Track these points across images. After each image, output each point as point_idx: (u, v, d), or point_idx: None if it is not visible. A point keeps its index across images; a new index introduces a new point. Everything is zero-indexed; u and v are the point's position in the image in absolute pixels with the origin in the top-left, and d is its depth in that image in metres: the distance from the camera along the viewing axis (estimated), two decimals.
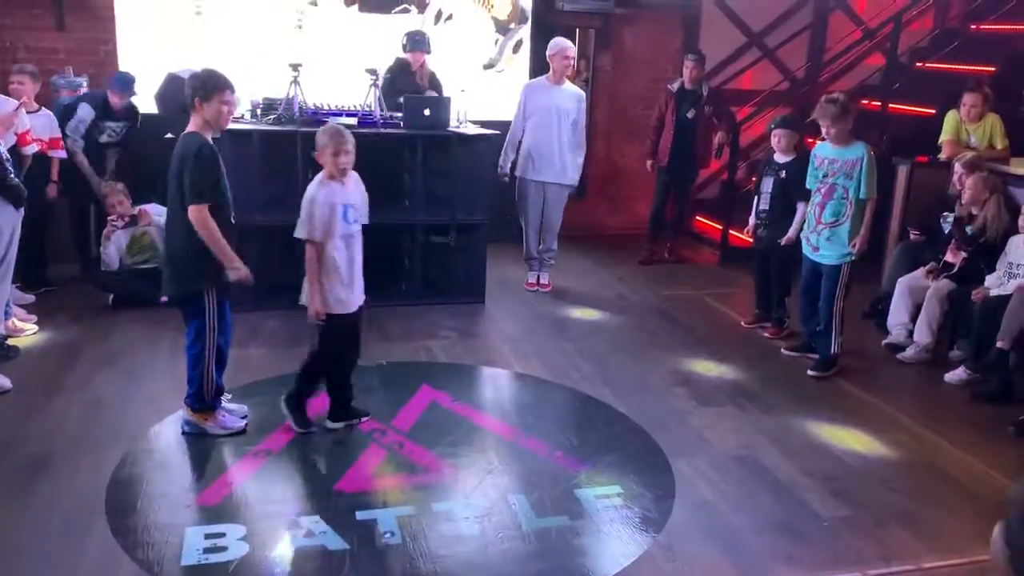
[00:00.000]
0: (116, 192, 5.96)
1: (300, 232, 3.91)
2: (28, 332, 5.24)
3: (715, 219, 8.12)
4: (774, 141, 5.71)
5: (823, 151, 5.07)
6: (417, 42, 6.55)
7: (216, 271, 3.84)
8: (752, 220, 5.90)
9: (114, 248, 5.88)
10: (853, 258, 5.02)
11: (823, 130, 4.98)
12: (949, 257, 5.37)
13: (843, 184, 4.96)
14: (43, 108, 5.82)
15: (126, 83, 6.25)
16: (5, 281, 4.83)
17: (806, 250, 5.23)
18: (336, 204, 3.94)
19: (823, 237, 5.05)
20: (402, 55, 6.59)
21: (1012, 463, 4.12)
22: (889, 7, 8.33)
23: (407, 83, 6.47)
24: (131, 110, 6.38)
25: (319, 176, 4.01)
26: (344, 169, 3.98)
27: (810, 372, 5.16)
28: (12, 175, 4.62)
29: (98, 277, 5.96)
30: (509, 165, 6.50)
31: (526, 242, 6.70)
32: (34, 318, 5.41)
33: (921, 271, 5.55)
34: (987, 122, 5.97)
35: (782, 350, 5.53)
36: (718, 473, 3.92)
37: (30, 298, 5.76)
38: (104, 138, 6.27)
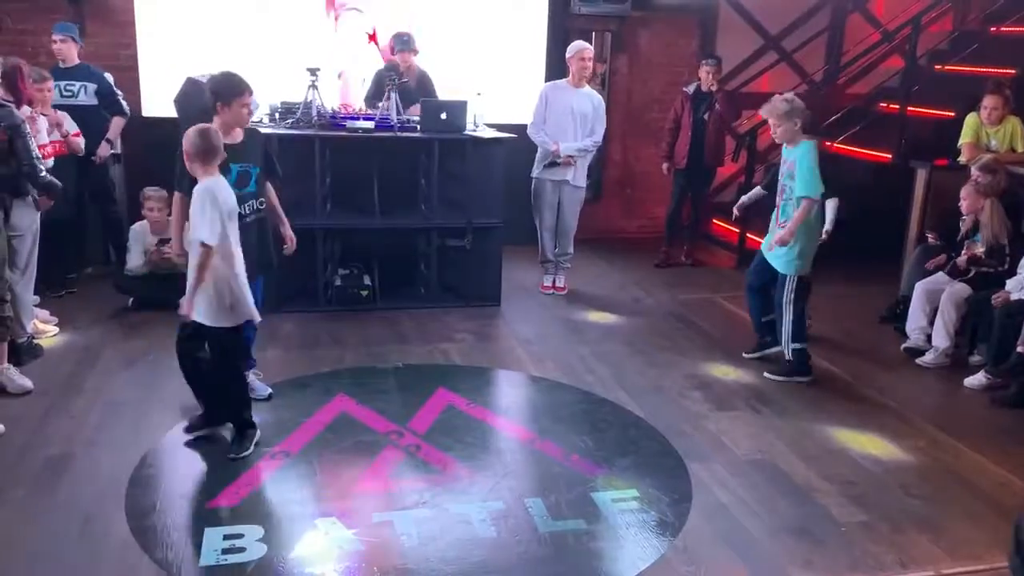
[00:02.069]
0: (150, 198, 5.86)
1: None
2: (49, 334, 5.29)
3: (732, 222, 8.09)
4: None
5: (783, 151, 5.02)
6: (404, 43, 6.58)
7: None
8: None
9: (139, 247, 5.83)
10: (801, 270, 4.94)
11: (771, 128, 4.95)
12: (962, 262, 5.33)
13: (790, 185, 4.89)
14: (57, 111, 5.87)
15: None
16: (29, 285, 4.90)
17: (763, 245, 5.18)
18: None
19: (776, 237, 4.99)
20: (392, 57, 6.63)
21: None
22: (908, 9, 8.28)
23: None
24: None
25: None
26: None
27: (766, 373, 5.11)
28: (42, 171, 4.73)
29: (119, 280, 5.99)
30: (550, 143, 6.38)
31: (541, 244, 6.70)
32: (55, 320, 5.46)
33: (940, 274, 5.51)
34: (1008, 125, 5.93)
35: (743, 354, 5.44)
36: (735, 477, 3.90)
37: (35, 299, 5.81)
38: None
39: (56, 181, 4.84)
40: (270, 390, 4.52)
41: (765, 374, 5.10)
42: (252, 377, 4.47)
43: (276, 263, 4.48)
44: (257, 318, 3.95)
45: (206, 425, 4.05)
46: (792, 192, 4.87)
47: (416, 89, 6.52)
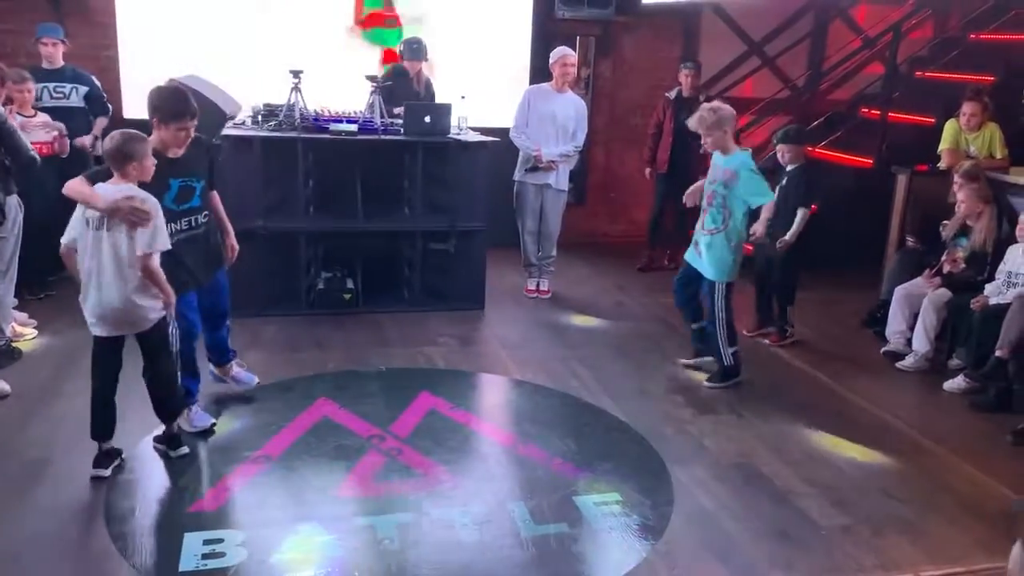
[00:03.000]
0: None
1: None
2: (27, 337, 5.24)
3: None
4: (779, 157, 5.74)
5: (714, 157, 4.97)
6: (415, 50, 6.58)
7: None
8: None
9: None
10: (731, 276, 4.92)
11: (703, 139, 4.91)
12: (946, 267, 5.37)
13: (721, 192, 4.82)
14: (39, 113, 5.83)
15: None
16: (9, 288, 4.86)
17: (690, 252, 5.10)
18: None
19: (703, 243, 4.94)
20: (399, 62, 6.62)
21: (1011, 472, 4.12)
22: (889, 16, 8.36)
23: (404, 89, 6.49)
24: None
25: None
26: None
27: (705, 383, 5.06)
28: (20, 139, 4.77)
29: None
30: (532, 147, 6.38)
31: (524, 248, 6.71)
32: (34, 323, 5.41)
33: (920, 279, 5.55)
34: (987, 131, 5.98)
35: (680, 360, 5.41)
36: (717, 481, 3.92)
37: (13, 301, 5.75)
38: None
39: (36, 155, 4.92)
40: (256, 379, 4.58)
41: (704, 384, 5.04)
42: (236, 368, 4.57)
43: (206, 279, 4.18)
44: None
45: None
46: (722, 200, 4.81)
47: (424, 96, 6.54)
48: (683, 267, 5.18)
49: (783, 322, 5.83)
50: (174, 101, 3.82)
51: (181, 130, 3.81)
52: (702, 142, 4.94)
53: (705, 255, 4.92)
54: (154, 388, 3.83)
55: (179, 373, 3.99)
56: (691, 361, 5.33)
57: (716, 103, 5.01)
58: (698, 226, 5.03)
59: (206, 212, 4.08)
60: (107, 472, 3.68)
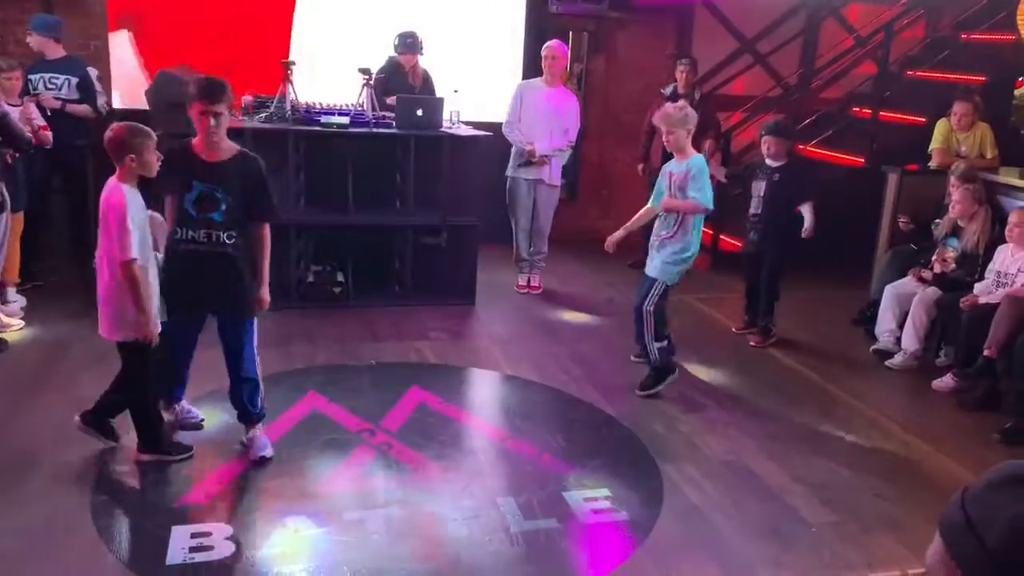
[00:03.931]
0: None
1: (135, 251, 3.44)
2: (14, 328, 5.20)
3: (706, 224, 8.13)
4: (764, 148, 5.70)
5: (665, 166, 4.84)
6: (409, 44, 6.54)
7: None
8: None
9: None
10: (673, 280, 4.78)
11: (663, 136, 4.77)
12: (936, 267, 5.39)
13: (678, 196, 4.68)
14: (27, 102, 5.77)
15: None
16: None
17: (649, 268, 4.87)
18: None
19: (655, 247, 4.80)
20: (394, 55, 6.59)
21: None
22: (881, 16, 8.37)
23: (400, 84, 6.46)
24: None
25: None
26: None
27: (637, 392, 4.82)
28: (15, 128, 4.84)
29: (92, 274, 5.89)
30: (525, 142, 6.35)
31: (516, 244, 6.70)
32: (21, 313, 5.37)
33: (909, 277, 5.57)
34: (977, 131, 6.01)
35: (631, 357, 5.28)
36: (706, 478, 3.92)
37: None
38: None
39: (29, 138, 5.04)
40: (270, 450, 3.89)
41: (637, 392, 4.81)
42: (254, 432, 3.91)
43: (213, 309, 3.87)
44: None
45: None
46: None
47: (421, 90, 6.49)
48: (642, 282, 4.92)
49: (767, 321, 5.82)
50: (196, 83, 3.60)
51: (205, 114, 3.52)
52: (663, 139, 4.81)
53: (656, 257, 4.78)
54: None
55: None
56: (641, 359, 5.10)
57: (682, 102, 5.03)
58: (652, 234, 4.91)
59: (233, 235, 3.66)
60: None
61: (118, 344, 3.64)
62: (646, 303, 4.80)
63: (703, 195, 4.63)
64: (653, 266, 4.83)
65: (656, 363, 4.85)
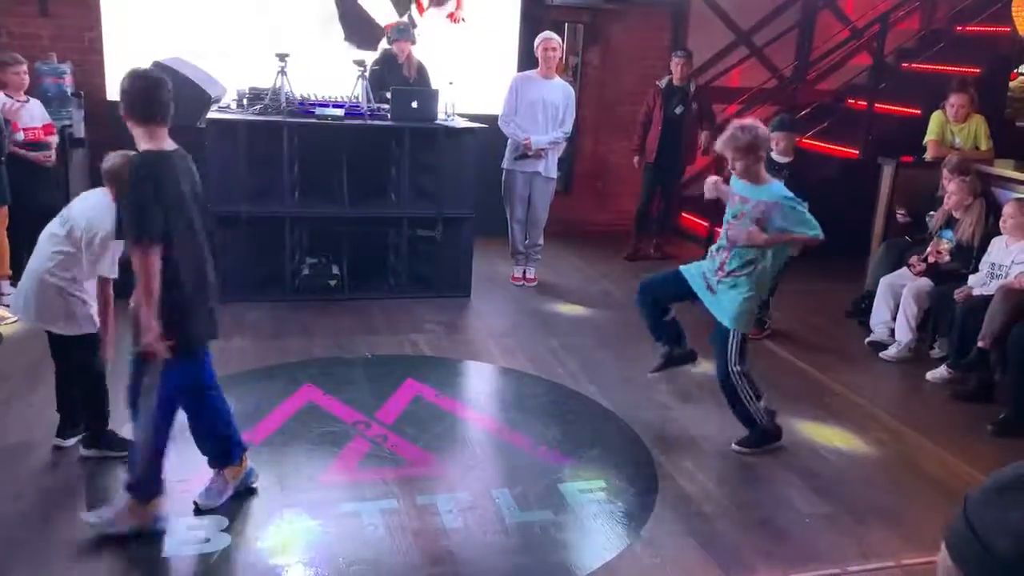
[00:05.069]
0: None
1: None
2: (9, 320, 5.18)
3: (702, 216, 8.15)
4: (772, 144, 5.51)
5: (735, 184, 4.09)
6: (401, 31, 6.52)
7: None
8: None
9: None
10: (744, 331, 4.04)
11: (729, 162, 4.01)
12: (931, 258, 5.40)
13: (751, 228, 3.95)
14: (31, 98, 5.75)
15: None
16: None
17: (697, 282, 4.14)
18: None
19: (726, 283, 4.02)
20: (387, 47, 6.57)
21: (991, 462, 4.15)
22: (876, 7, 8.37)
23: (395, 75, 6.44)
24: None
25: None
26: None
27: (734, 447, 4.12)
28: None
29: None
30: (521, 135, 6.33)
31: (512, 236, 6.69)
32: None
33: (904, 268, 5.58)
34: (972, 123, 6.02)
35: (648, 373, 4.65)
36: (701, 469, 3.93)
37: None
38: None
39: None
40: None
41: (733, 447, 4.14)
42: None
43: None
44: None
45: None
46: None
47: (416, 81, 6.47)
48: (672, 276, 4.28)
49: (763, 313, 5.80)
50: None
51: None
52: (729, 167, 4.04)
53: (724, 296, 4.01)
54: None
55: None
56: (657, 373, 4.59)
57: (751, 121, 4.01)
58: (711, 263, 4.11)
59: None
60: None
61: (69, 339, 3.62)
62: (730, 366, 3.97)
63: (809, 226, 3.90)
64: (722, 309, 4.00)
65: (764, 423, 4.08)
